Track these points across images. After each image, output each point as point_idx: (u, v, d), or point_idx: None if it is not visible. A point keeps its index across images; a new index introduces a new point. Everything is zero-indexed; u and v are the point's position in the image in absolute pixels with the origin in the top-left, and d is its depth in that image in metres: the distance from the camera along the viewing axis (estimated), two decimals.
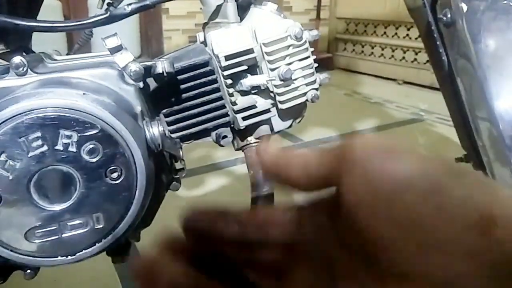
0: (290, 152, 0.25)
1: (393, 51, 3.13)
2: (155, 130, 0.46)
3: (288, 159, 0.24)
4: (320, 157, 0.23)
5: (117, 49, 0.45)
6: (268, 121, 0.58)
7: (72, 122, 0.41)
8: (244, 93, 0.57)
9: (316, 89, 0.58)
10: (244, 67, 0.54)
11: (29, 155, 0.40)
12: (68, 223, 0.43)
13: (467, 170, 0.19)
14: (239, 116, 0.55)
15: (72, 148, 0.41)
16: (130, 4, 0.51)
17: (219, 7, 0.57)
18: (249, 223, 0.27)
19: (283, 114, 0.59)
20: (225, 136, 0.55)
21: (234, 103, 0.55)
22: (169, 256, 0.25)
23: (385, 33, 3.17)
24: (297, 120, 0.61)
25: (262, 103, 0.57)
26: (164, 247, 0.26)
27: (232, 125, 0.56)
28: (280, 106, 0.57)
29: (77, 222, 0.43)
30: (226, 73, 0.53)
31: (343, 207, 0.21)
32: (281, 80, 0.55)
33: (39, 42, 0.65)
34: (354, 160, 0.20)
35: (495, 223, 0.17)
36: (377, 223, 0.19)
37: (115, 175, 0.42)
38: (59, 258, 0.44)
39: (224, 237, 0.26)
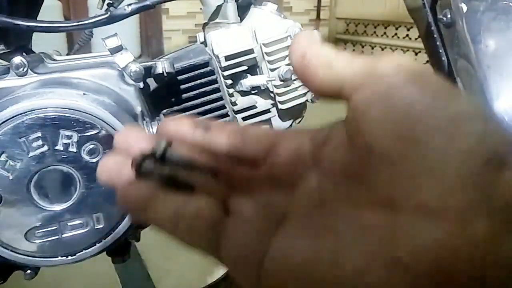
0: (323, 44, 0.24)
1: (393, 51, 3.13)
2: (155, 130, 0.46)
3: (318, 47, 0.23)
4: (347, 57, 0.22)
5: (117, 49, 0.45)
6: (268, 121, 0.58)
7: (73, 122, 0.41)
8: (244, 93, 0.57)
9: None
10: (244, 68, 0.54)
11: (29, 155, 0.40)
12: (68, 223, 0.43)
13: (492, 112, 0.19)
14: (239, 116, 0.55)
15: (73, 148, 0.41)
16: (130, 4, 0.51)
17: (219, 7, 0.57)
18: (217, 131, 0.27)
19: (283, 114, 0.59)
20: None
21: (234, 103, 0.55)
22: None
23: (385, 33, 3.18)
24: (297, 121, 0.61)
25: (262, 103, 0.57)
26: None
27: None
28: (280, 106, 0.57)
29: (77, 222, 0.43)
30: (226, 73, 0.53)
31: (349, 116, 0.20)
32: (281, 80, 0.55)
33: (39, 42, 0.65)
34: (381, 73, 0.20)
35: (506, 164, 0.17)
36: (383, 136, 0.18)
37: None
38: (59, 258, 0.44)
39: (186, 140, 0.27)
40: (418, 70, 0.20)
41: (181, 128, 0.28)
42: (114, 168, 0.27)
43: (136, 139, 0.28)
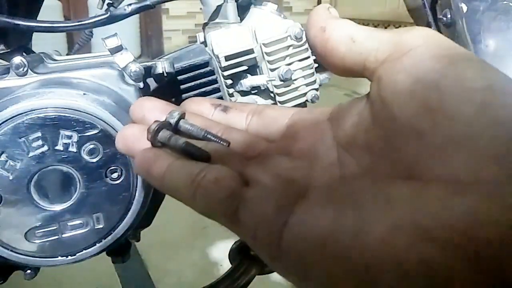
0: (341, 19, 0.23)
1: None
2: None
3: (338, 20, 0.22)
4: (370, 30, 0.21)
5: (117, 49, 0.45)
6: None
7: (73, 122, 0.41)
8: (244, 93, 0.57)
9: (316, 90, 0.58)
10: (244, 68, 0.54)
11: (29, 155, 0.40)
12: (68, 223, 0.43)
13: None
14: None
15: (72, 148, 0.41)
16: (130, 4, 0.51)
17: (219, 7, 0.57)
18: (236, 112, 0.27)
19: None
20: None
21: None
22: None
23: None
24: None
25: (262, 103, 0.57)
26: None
27: None
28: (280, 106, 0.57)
29: (77, 222, 0.43)
30: (226, 73, 0.53)
31: (373, 90, 0.20)
32: (281, 80, 0.55)
33: (39, 42, 0.65)
34: (407, 45, 0.19)
35: None
36: (411, 109, 0.18)
37: (115, 175, 0.42)
38: (59, 258, 0.44)
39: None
40: (446, 43, 0.19)
41: (201, 108, 0.28)
42: (131, 138, 0.27)
43: (151, 109, 0.28)
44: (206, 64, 0.54)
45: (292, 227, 0.19)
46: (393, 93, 0.19)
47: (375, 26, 3.22)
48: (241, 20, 0.58)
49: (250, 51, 0.54)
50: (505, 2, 0.54)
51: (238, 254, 0.66)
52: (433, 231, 0.16)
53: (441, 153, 0.17)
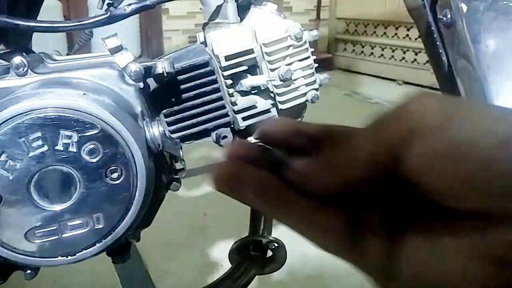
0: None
1: (393, 51, 3.13)
2: (155, 130, 0.46)
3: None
4: (373, 139, 0.21)
5: (117, 49, 0.45)
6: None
7: (73, 122, 0.41)
8: (244, 93, 0.57)
9: (316, 90, 0.58)
10: (244, 68, 0.54)
11: (29, 155, 0.40)
12: (68, 223, 0.43)
13: None
14: (239, 116, 0.55)
15: (73, 148, 0.41)
16: (130, 4, 0.51)
17: (219, 7, 0.57)
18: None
19: (283, 115, 0.59)
20: (225, 136, 0.55)
21: (234, 104, 0.55)
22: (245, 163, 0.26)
23: (385, 33, 3.18)
24: (297, 121, 0.61)
25: (262, 103, 0.57)
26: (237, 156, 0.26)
27: (232, 126, 0.56)
28: (280, 106, 0.57)
29: (77, 222, 0.43)
30: (226, 73, 0.53)
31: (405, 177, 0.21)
32: (281, 80, 0.55)
33: (39, 42, 0.65)
34: (417, 129, 0.19)
35: None
36: (449, 183, 0.19)
37: (115, 175, 0.42)
38: (59, 258, 0.44)
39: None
40: (447, 107, 0.20)
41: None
42: (231, 172, 0.26)
43: (244, 148, 0.28)
44: (206, 64, 0.54)
45: (400, 266, 0.22)
46: (422, 176, 0.20)
47: (375, 26, 3.22)
48: (241, 20, 0.58)
49: (250, 51, 0.54)
50: (505, 2, 0.54)
51: (238, 254, 0.66)
52: (499, 255, 0.19)
53: (498, 198, 0.19)
